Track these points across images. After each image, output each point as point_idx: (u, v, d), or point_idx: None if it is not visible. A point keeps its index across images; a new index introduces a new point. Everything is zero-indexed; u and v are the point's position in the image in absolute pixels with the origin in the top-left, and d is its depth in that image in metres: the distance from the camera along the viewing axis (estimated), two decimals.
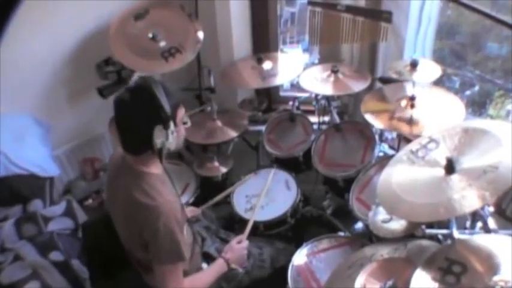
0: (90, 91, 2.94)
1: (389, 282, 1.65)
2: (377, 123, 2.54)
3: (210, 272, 2.14)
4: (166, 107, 1.75)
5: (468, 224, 2.06)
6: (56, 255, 2.33)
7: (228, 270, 2.17)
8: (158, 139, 1.77)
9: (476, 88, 3.37)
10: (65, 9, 2.73)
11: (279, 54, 3.52)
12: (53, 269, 2.28)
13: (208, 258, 2.29)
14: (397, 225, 2.00)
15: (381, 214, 2.07)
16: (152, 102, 1.74)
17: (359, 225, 2.58)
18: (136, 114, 1.80)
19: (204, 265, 2.25)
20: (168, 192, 1.93)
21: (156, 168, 1.91)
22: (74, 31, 2.90)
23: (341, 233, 2.54)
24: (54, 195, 2.79)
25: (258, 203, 2.57)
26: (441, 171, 1.82)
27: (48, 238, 2.39)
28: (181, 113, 1.89)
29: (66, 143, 3.11)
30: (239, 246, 2.24)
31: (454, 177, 1.77)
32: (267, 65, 3.25)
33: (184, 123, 1.93)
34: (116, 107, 1.83)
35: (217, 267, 2.15)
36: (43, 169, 2.64)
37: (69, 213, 2.57)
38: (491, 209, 2.01)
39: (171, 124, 1.79)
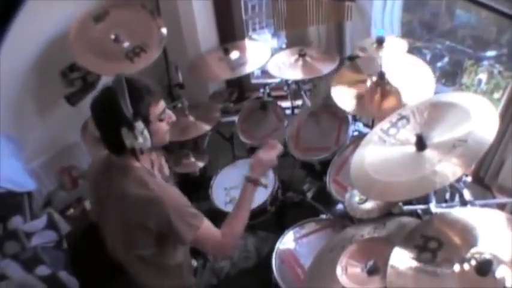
0: (58, 100, 2.91)
1: (370, 263, 1.66)
2: (347, 105, 2.56)
3: (244, 204, 2.08)
4: (127, 110, 1.73)
5: (448, 196, 2.08)
6: (42, 270, 2.31)
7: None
8: (127, 140, 1.77)
9: (446, 59, 3.38)
10: (21, 19, 2.67)
11: (246, 42, 3.50)
12: (41, 283, 2.26)
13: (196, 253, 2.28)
14: (373, 205, 2.01)
15: (357, 195, 2.08)
16: (112, 105, 1.73)
17: (340, 206, 2.55)
18: (102, 118, 1.83)
19: (194, 262, 2.25)
20: (159, 180, 1.94)
21: (142, 163, 1.91)
22: (33, 40, 2.82)
23: (323, 216, 2.54)
24: (34, 209, 2.75)
25: None
26: (412, 148, 1.83)
27: (32, 253, 2.36)
28: (156, 109, 1.86)
29: (41, 155, 3.07)
30: (268, 155, 2.18)
31: (426, 154, 1.78)
32: (234, 54, 3.23)
33: (161, 120, 1.90)
34: (90, 109, 1.85)
35: (249, 194, 2.10)
36: (19, 185, 2.60)
37: (51, 225, 2.55)
38: (469, 178, 2.01)
39: (138, 124, 1.77)
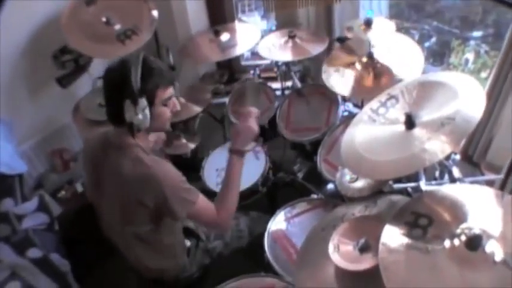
0: (49, 82, 2.91)
1: (362, 241, 1.68)
2: (339, 88, 2.58)
3: (232, 176, 2.07)
4: (136, 82, 1.75)
5: (437, 174, 2.11)
6: (34, 253, 2.32)
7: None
8: (127, 113, 1.78)
9: (434, 39, 3.40)
10: (12, 1, 2.66)
11: (236, 24, 3.49)
12: (32, 266, 2.28)
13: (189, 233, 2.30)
14: (364, 183, 2.04)
15: (348, 174, 2.11)
16: (123, 75, 1.76)
17: (331, 185, 2.59)
18: (110, 85, 1.84)
19: (187, 242, 2.27)
20: (155, 157, 1.94)
21: (140, 141, 1.91)
22: (25, 22, 2.83)
23: (314, 196, 2.55)
24: (25, 192, 2.76)
25: None
26: (402, 127, 1.85)
27: (23, 236, 2.37)
28: (163, 94, 1.87)
29: (32, 137, 3.08)
30: (245, 124, 2.13)
31: (415, 132, 1.80)
32: (224, 36, 3.22)
33: (165, 105, 1.90)
34: (102, 76, 1.87)
35: (236, 166, 2.07)
36: (10, 167, 2.60)
37: (42, 207, 2.56)
38: (458, 156, 2.04)
39: (142, 101, 1.78)
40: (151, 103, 1.83)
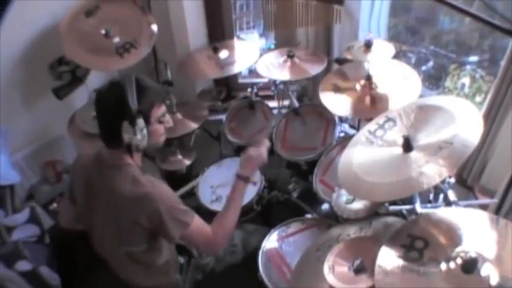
0: (45, 92, 2.90)
1: (357, 262, 1.68)
2: (337, 108, 2.60)
3: (235, 200, 2.07)
4: (133, 103, 1.75)
5: (431, 196, 2.11)
6: (23, 265, 2.27)
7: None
8: (126, 134, 1.78)
9: (431, 63, 3.43)
10: (12, 9, 2.65)
11: (235, 42, 3.52)
12: (21, 279, 2.22)
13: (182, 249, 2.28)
14: (360, 205, 2.04)
15: (344, 195, 2.11)
16: (119, 98, 1.75)
17: (325, 206, 2.59)
18: (106, 108, 1.83)
19: (180, 259, 2.25)
20: (151, 177, 1.93)
21: (133, 161, 1.91)
22: (23, 31, 2.81)
23: (308, 216, 2.56)
24: (16, 203, 2.73)
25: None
26: (399, 150, 1.87)
27: (12, 248, 2.33)
28: (158, 112, 1.88)
29: (25, 148, 3.06)
30: (257, 152, 2.18)
31: (412, 155, 1.82)
32: (223, 53, 3.23)
33: (160, 122, 1.91)
34: (94, 99, 1.86)
35: (240, 191, 2.09)
36: (3, 177, 2.58)
37: (33, 219, 2.53)
38: (453, 180, 2.05)
39: (140, 121, 1.78)
40: (147, 122, 1.83)
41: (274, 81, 3.19)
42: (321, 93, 2.67)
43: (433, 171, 1.68)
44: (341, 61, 2.92)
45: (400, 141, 1.87)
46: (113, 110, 1.79)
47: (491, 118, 2.58)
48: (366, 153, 2.00)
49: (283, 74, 3.03)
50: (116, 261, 2.04)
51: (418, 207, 1.93)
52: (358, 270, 1.66)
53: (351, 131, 2.98)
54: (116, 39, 2.86)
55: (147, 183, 1.83)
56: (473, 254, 1.43)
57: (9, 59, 2.83)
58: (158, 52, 3.29)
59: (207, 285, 2.28)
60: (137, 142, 1.81)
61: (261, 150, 2.19)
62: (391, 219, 1.97)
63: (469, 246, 1.48)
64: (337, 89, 2.67)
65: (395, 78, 2.58)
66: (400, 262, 1.53)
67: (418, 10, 3.51)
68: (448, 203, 1.96)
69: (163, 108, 1.91)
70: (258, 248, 2.30)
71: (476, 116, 1.81)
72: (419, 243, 1.57)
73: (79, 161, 2.10)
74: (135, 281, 2.05)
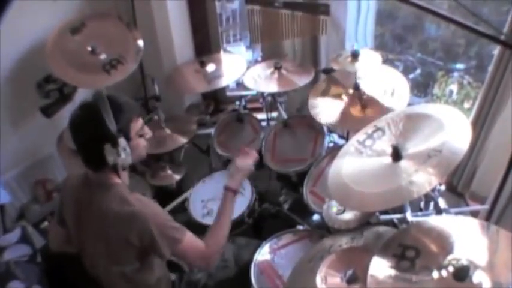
0: (33, 111, 2.88)
1: (349, 272, 1.69)
2: (325, 119, 2.60)
3: (225, 213, 2.09)
4: (112, 125, 1.72)
5: (422, 204, 2.12)
6: (15, 285, 2.26)
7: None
8: (109, 157, 1.75)
9: (419, 71, 3.46)
10: None
11: (222, 55, 3.52)
12: None
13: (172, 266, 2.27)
14: (351, 215, 2.04)
15: (335, 206, 2.11)
16: (96, 122, 1.72)
17: (316, 216, 2.60)
18: (84, 134, 1.80)
19: (172, 275, 2.24)
20: (139, 196, 1.93)
21: (120, 179, 1.90)
22: (9, 51, 2.79)
23: (300, 227, 2.55)
24: (7, 223, 2.72)
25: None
26: (389, 159, 1.87)
27: (4, 269, 2.31)
28: (136, 125, 1.86)
29: (14, 167, 3.03)
30: (245, 162, 2.23)
31: (402, 164, 1.82)
32: (210, 67, 3.23)
33: (141, 135, 1.91)
34: (68, 126, 1.83)
35: (230, 203, 2.11)
36: None
37: (25, 239, 2.51)
38: (443, 187, 2.06)
39: (121, 141, 1.76)
40: (127, 138, 1.81)
41: (262, 93, 3.19)
42: (309, 104, 2.68)
43: (423, 179, 1.68)
44: (328, 71, 2.93)
45: (389, 150, 1.87)
46: (92, 135, 1.76)
47: (480, 124, 2.60)
48: (355, 164, 2.00)
49: (270, 86, 3.03)
50: (107, 280, 2.02)
51: (409, 216, 1.94)
52: (350, 281, 1.67)
53: (340, 141, 2.98)
54: (103, 56, 2.86)
55: (136, 202, 1.82)
56: (464, 262, 1.44)
57: None
58: (145, 67, 3.30)
59: None
60: (122, 162, 1.79)
61: (247, 160, 2.23)
62: (382, 229, 1.97)
63: (460, 254, 1.49)
64: (325, 93, 2.70)
65: (383, 85, 2.59)
66: (392, 272, 1.53)
67: (404, 18, 3.54)
68: (438, 210, 1.97)
69: (140, 121, 1.90)
70: (250, 261, 2.28)
71: (464, 122, 1.82)
72: (411, 252, 1.57)
73: (67, 182, 2.09)
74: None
